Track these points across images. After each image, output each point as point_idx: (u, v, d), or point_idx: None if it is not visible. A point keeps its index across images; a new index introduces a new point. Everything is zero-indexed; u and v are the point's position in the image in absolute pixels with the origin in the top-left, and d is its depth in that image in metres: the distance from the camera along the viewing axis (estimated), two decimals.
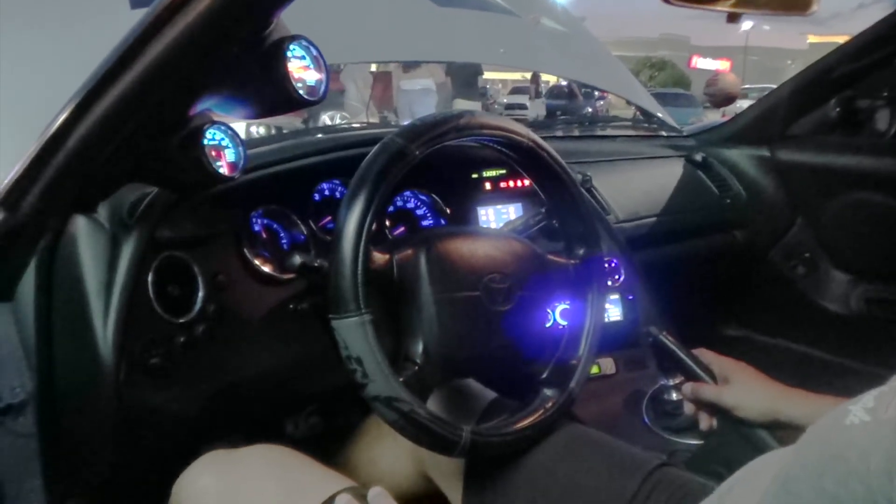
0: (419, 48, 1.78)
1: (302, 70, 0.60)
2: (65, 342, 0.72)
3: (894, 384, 0.40)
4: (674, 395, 0.95)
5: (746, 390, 0.76)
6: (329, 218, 0.99)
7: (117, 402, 0.69)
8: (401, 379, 0.66)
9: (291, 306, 0.85)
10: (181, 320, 0.77)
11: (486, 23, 1.85)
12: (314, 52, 0.60)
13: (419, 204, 1.08)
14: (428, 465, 0.86)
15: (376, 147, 0.69)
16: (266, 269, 0.89)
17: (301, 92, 0.60)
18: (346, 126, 1.59)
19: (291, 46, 0.59)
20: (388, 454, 0.89)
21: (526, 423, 0.75)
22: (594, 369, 1.08)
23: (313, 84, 0.61)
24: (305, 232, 0.96)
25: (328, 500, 0.62)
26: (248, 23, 0.54)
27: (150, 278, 0.74)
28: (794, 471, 0.43)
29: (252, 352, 0.84)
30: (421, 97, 4.75)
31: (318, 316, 0.88)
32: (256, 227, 0.92)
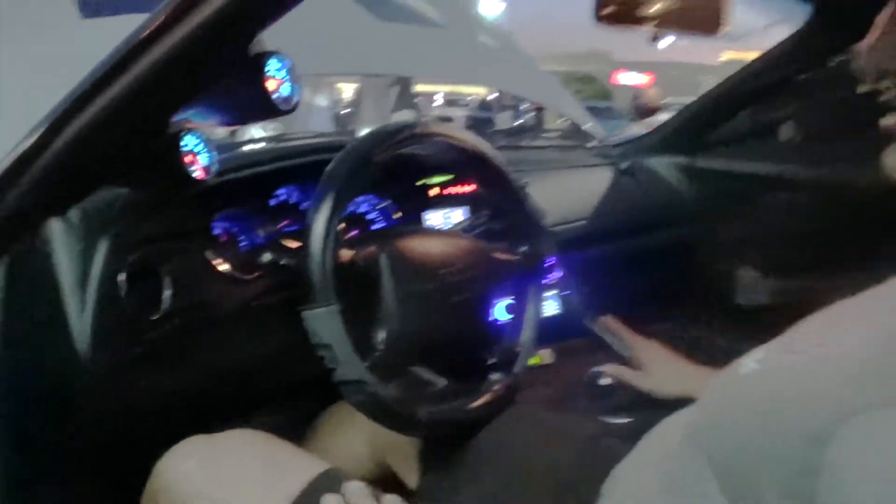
0: (361, 62, 1.84)
1: (278, 82, 0.66)
2: (39, 339, 0.74)
3: (782, 339, 0.49)
4: (605, 380, 1.05)
5: (662, 371, 0.87)
6: (287, 221, 1.04)
7: (93, 395, 0.73)
8: (366, 364, 0.73)
9: (255, 303, 0.90)
10: (151, 317, 0.81)
11: (424, 37, 1.93)
12: (289, 66, 0.67)
13: (370, 209, 1.15)
14: (385, 452, 0.92)
15: (341, 152, 0.75)
16: (228, 269, 0.93)
17: (278, 102, 0.66)
18: (298, 136, 1.63)
19: (270, 61, 0.65)
20: (346, 444, 0.95)
21: (477, 403, 0.83)
22: (535, 360, 1.17)
23: (288, 95, 0.67)
24: (264, 234, 1.01)
25: (310, 488, 0.67)
26: (233, 41, 0.60)
27: (121, 277, 0.77)
28: (699, 423, 0.52)
29: (218, 347, 0.89)
30: (322, 113, 4.83)
31: (280, 312, 0.94)
32: (218, 231, 0.96)
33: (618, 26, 0.98)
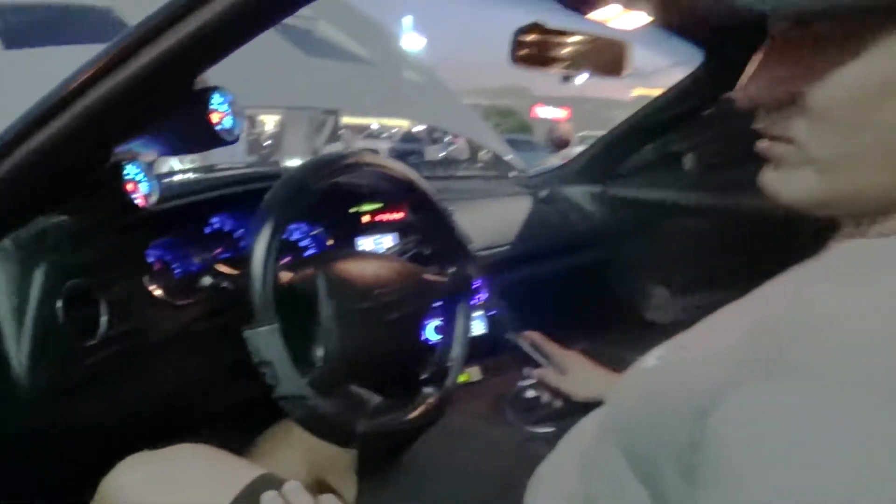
0: (290, 95, 1.89)
1: (221, 115, 0.71)
2: None
3: (677, 338, 0.56)
4: (530, 393, 1.12)
5: (580, 376, 0.95)
6: (221, 249, 1.07)
7: (33, 421, 0.73)
8: (305, 380, 0.77)
9: (192, 328, 0.92)
10: (88, 343, 0.82)
11: (350, 72, 2.00)
12: (231, 100, 0.71)
13: (303, 236, 1.19)
14: (323, 468, 0.95)
15: (280, 180, 0.80)
16: (164, 295, 0.95)
17: (222, 134, 0.70)
18: (226, 166, 1.66)
19: (214, 95, 0.70)
20: (285, 462, 0.97)
21: (411, 416, 0.88)
22: (464, 377, 1.23)
23: (230, 127, 0.72)
24: (199, 261, 1.03)
25: (249, 489, 0.70)
26: (180, 77, 0.64)
27: (59, 304, 0.79)
28: (610, 416, 0.58)
29: (155, 371, 0.90)
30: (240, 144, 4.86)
31: (216, 336, 0.96)
32: (152, 258, 0.98)
33: (532, 68, 1.07)
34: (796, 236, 0.53)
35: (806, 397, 0.35)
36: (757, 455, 0.35)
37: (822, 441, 0.33)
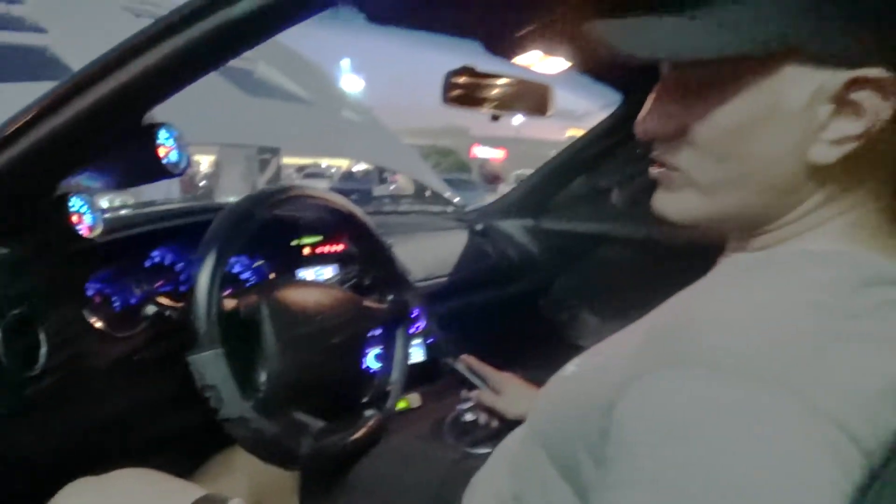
0: (231, 133, 1.92)
1: (168, 149, 0.74)
2: None
3: (594, 347, 0.63)
4: (468, 417, 1.17)
5: (514, 396, 1.00)
6: (161, 282, 1.08)
7: None
8: (249, 403, 0.79)
9: (134, 358, 0.93)
10: (28, 374, 0.82)
11: (291, 112, 2.05)
12: (177, 135, 0.75)
13: (244, 269, 1.22)
14: (265, 492, 0.97)
15: (224, 210, 0.84)
16: (104, 326, 0.96)
17: (168, 167, 0.74)
18: (164, 201, 1.67)
19: (161, 131, 0.73)
20: (227, 486, 0.99)
21: (353, 438, 0.91)
22: (403, 403, 1.27)
23: (176, 160, 0.75)
24: (139, 293, 1.04)
25: None
26: (129, 114, 0.68)
27: None
28: (535, 420, 0.64)
29: (96, 401, 0.91)
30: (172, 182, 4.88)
31: (156, 366, 0.98)
32: (91, 292, 0.99)
33: (463, 107, 1.15)
34: (707, 259, 0.59)
35: (690, 381, 0.41)
36: (651, 432, 0.41)
37: (703, 417, 0.40)
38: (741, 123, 0.46)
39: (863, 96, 0.42)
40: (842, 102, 0.43)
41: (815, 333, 0.41)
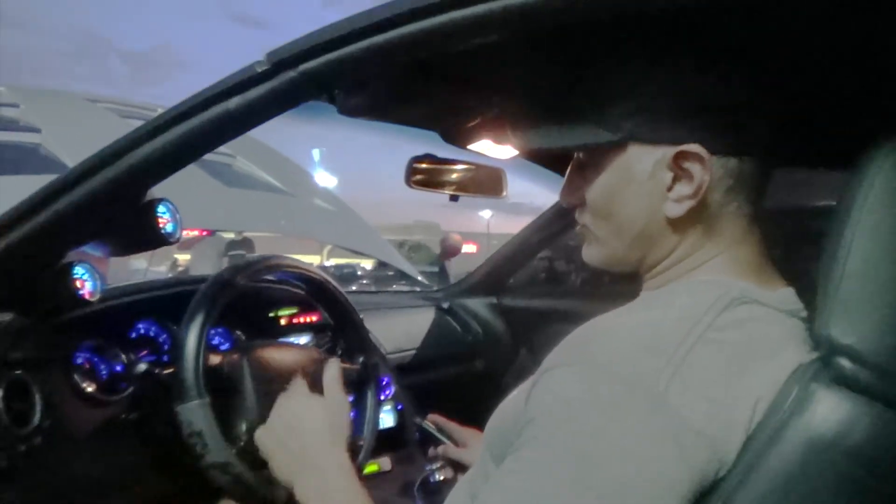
0: (211, 220, 2.04)
1: (164, 221, 0.86)
2: None
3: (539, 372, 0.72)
4: (438, 477, 1.24)
5: (479, 447, 1.08)
6: (146, 351, 1.16)
7: None
8: (233, 450, 0.87)
9: (123, 416, 1.00)
10: (22, 431, 0.89)
11: (267, 201, 2.19)
12: (173, 209, 0.87)
13: (223, 341, 1.30)
14: None
15: (210, 279, 0.94)
16: (92, 391, 1.03)
17: (165, 237, 0.85)
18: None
19: (158, 206, 0.85)
20: None
21: None
22: (374, 467, 1.33)
23: (172, 231, 0.86)
24: (125, 362, 1.12)
25: None
26: (134, 193, 0.80)
27: (0, 393, 0.87)
28: (484, 438, 0.72)
29: (82, 460, 0.97)
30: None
31: (141, 426, 1.04)
32: (80, 360, 1.07)
33: (424, 190, 1.28)
34: None
35: (572, 377, 0.52)
36: (541, 411, 0.52)
37: (575, 405, 0.50)
38: (609, 191, 0.62)
39: (689, 165, 0.57)
40: (677, 171, 0.58)
41: (680, 342, 0.52)
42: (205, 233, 5.31)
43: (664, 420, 0.48)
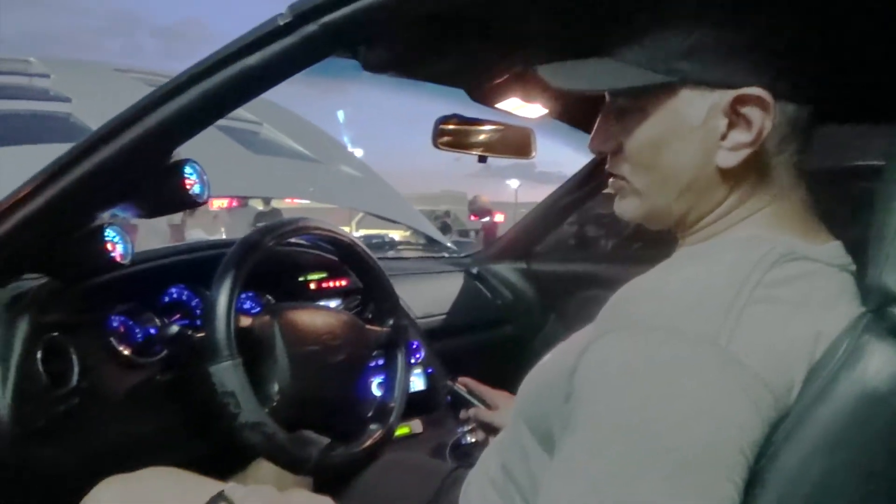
0: (239, 186, 2.05)
1: (191, 183, 0.85)
2: None
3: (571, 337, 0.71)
4: (469, 439, 1.24)
5: (510, 412, 1.08)
6: (178, 316, 1.17)
7: (12, 456, 0.81)
8: (265, 410, 0.87)
9: (158, 378, 1.01)
10: (60, 392, 0.91)
11: (296, 168, 2.20)
12: (200, 170, 0.86)
13: (253, 305, 1.31)
14: None
15: (238, 240, 0.94)
16: (127, 353, 1.05)
17: (193, 197, 0.85)
18: None
19: (185, 167, 0.84)
20: None
21: (360, 448, 0.99)
22: (405, 430, 1.33)
23: (199, 192, 0.86)
24: (158, 325, 1.13)
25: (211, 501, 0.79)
26: (160, 152, 0.79)
27: (39, 354, 0.88)
28: (516, 404, 0.71)
29: (118, 421, 0.99)
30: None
31: (175, 387, 1.06)
32: (115, 323, 1.08)
33: (451, 151, 1.26)
34: None
35: (625, 343, 0.50)
36: (597, 386, 0.50)
37: (636, 371, 0.48)
38: (656, 139, 0.58)
39: (749, 111, 0.53)
40: (734, 117, 0.54)
41: (733, 299, 0.50)
42: (234, 203, 5.37)
43: (735, 374, 0.46)
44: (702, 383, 0.46)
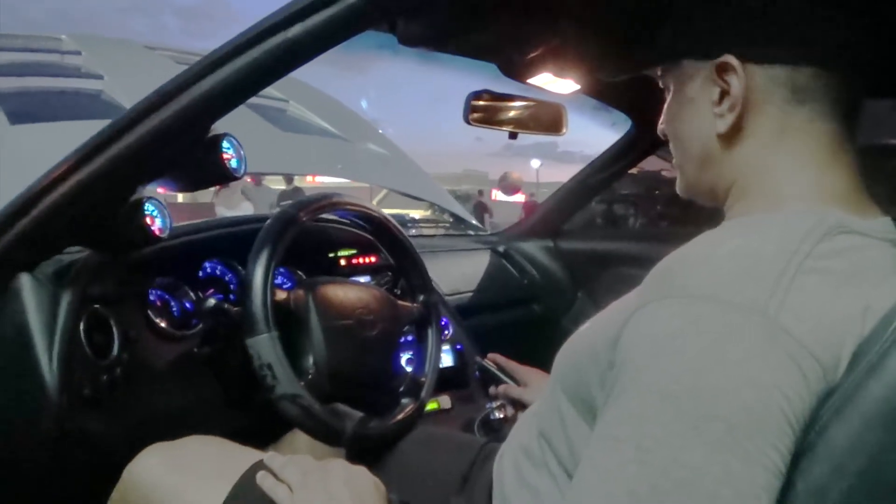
0: (268, 163, 2.07)
1: (229, 157, 0.86)
2: (9, 376, 0.85)
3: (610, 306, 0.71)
4: (498, 415, 1.24)
5: (539, 386, 1.08)
6: (213, 290, 1.19)
7: (59, 425, 0.83)
8: (301, 382, 0.89)
9: (196, 351, 1.03)
10: (104, 363, 0.93)
11: (323, 145, 2.21)
12: (237, 144, 0.87)
13: (285, 280, 1.32)
14: None
15: (274, 214, 0.95)
16: (165, 326, 1.07)
17: (231, 171, 0.86)
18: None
19: (223, 142, 0.85)
20: None
21: (393, 421, 1.00)
22: (434, 405, 1.34)
23: (237, 166, 0.87)
24: (195, 300, 1.15)
25: (250, 470, 0.81)
26: (199, 127, 0.80)
27: (82, 326, 0.90)
28: (555, 372, 0.71)
29: (159, 393, 1.01)
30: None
31: (213, 362, 1.08)
32: (153, 297, 1.10)
33: (483, 126, 1.26)
34: None
35: (672, 309, 0.50)
36: (643, 353, 0.50)
37: (684, 338, 0.48)
38: (671, 113, 0.65)
39: (729, 78, 0.57)
40: (723, 85, 0.58)
41: (783, 269, 0.50)
42: (250, 180, 5.40)
43: (784, 344, 0.46)
44: (750, 352, 0.46)
